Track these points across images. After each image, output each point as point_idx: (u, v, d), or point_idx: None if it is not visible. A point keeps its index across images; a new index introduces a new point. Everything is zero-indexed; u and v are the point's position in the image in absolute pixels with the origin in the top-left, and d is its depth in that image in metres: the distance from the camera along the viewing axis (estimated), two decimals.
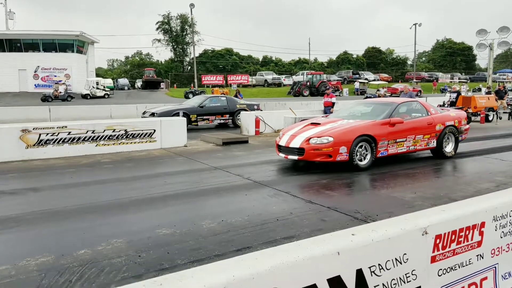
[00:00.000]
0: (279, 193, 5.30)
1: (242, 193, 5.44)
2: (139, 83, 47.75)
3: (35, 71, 37.05)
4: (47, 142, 8.19)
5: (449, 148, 7.92)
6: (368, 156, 6.74)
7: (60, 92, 29.73)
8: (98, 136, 8.66)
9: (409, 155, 8.21)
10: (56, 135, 8.27)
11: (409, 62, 67.92)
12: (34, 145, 8.07)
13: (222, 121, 14.28)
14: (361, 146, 6.64)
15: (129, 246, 3.55)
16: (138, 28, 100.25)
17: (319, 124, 7.20)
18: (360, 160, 6.68)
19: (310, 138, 6.57)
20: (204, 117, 13.78)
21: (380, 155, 6.88)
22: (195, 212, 4.71)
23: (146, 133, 9.26)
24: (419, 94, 33.84)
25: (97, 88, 33.05)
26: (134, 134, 9.10)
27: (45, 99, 28.27)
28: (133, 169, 7.14)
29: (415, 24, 51.08)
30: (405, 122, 7.14)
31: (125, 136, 8.97)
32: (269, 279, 1.94)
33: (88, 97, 32.00)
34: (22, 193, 5.52)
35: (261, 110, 15.50)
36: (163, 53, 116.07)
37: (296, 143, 6.69)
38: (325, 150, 6.42)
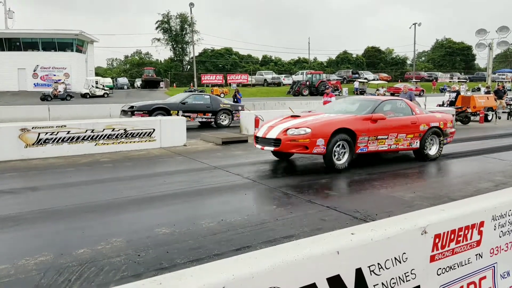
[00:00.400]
0: (279, 193, 5.30)
1: (242, 192, 5.44)
2: (138, 82, 47.75)
3: (35, 70, 37.07)
4: (46, 141, 8.17)
5: (433, 150, 7.66)
6: (347, 155, 6.51)
7: (60, 91, 29.72)
8: (97, 136, 8.65)
9: (409, 155, 8.21)
10: (55, 134, 8.26)
11: (409, 62, 67.99)
12: (33, 144, 8.06)
13: (204, 120, 14.05)
14: (339, 145, 6.41)
15: (129, 245, 3.55)
16: (138, 27, 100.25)
17: (299, 116, 7.11)
18: (339, 160, 6.45)
19: (288, 129, 6.40)
20: (186, 114, 13.32)
21: (360, 151, 6.65)
22: (194, 211, 4.71)
23: (146, 132, 9.25)
24: (421, 94, 33.85)
25: (97, 87, 33.05)
26: (134, 133, 9.09)
27: (45, 98, 28.26)
28: (132, 169, 7.14)
29: (414, 24, 51.16)
30: (387, 119, 6.92)
31: (124, 136, 8.96)
32: (268, 278, 1.94)
33: (88, 96, 31.99)
34: (21, 192, 5.51)
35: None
36: (162, 53, 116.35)
37: (273, 134, 6.52)
38: (302, 141, 6.21)
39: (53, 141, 8.24)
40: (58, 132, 8.28)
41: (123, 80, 47.23)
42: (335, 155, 6.39)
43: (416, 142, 7.38)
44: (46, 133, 8.18)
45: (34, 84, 36.79)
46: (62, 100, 28.45)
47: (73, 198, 5.14)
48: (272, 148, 6.59)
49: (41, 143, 8.12)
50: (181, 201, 5.05)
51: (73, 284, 2.85)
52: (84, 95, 32.18)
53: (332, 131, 6.27)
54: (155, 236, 3.78)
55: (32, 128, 8.12)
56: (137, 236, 3.77)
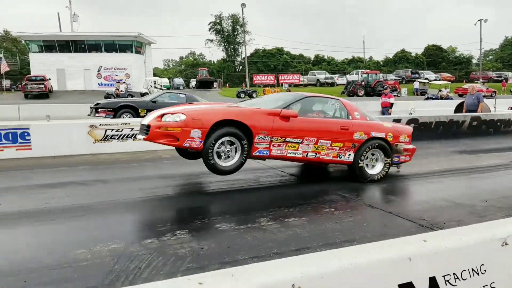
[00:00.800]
0: (337, 195, 5.22)
1: (297, 193, 5.44)
2: (193, 82, 49.40)
3: (98, 71, 39.55)
4: (113, 137, 8.75)
5: (375, 169, 5.98)
6: (237, 155, 5.10)
7: (121, 91, 31.53)
8: None
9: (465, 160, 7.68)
10: (120, 131, 8.81)
11: (474, 61, 63.64)
12: (101, 140, 8.66)
13: None
14: (224, 142, 5.02)
15: (192, 238, 3.69)
16: (192, 29, 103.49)
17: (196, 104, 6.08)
18: (225, 160, 5.06)
19: (165, 114, 5.15)
20: None
21: (258, 153, 5.23)
22: (253, 209, 4.78)
23: None
24: (493, 95, 31.51)
25: (155, 87, 34.65)
26: None
27: (108, 97, 30.05)
28: (192, 165, 7.38)
29: (480, 20, 47.78)
30: (304, 118, 5.51)
31: None
32: (337, 280, 1.93)
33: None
34: (93, 184, 5.93)
35: None
36: (215, 53, 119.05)
37: (147, 120, 5.33)
38: (172, 130, 4.93)
39: (119, 138, 8.79)
40: (123, 129, 8.82)
41: (179, 81, 49.10)
42: (220, 155, 5.04)
43: (349, 155, 5.81)
44: (112, 129, 8.75)
45: (99, 83, 39.32)
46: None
47: (139, 191, 5.44)
48: (142, 137, 5.39)
49: (108, 139, 8.70)
50: (240, 198, 5.17)
51: (143, 271, 3.02)
52: (143, 95, 33.80)
53: (214, 122, 4.91)
54: (216, 231, 3.90)
55: (100, 125, 8.74)
56: (200, 230, 3.92)
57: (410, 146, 6.30)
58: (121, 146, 8.73)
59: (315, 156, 5.58)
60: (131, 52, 40.14)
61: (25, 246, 3.63)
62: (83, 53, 39.21)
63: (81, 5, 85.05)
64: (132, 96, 31.98)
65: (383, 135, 5.98)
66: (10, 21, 70.27)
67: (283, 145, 5.34)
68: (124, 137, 8.82)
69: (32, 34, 38.69)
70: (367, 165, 5.92)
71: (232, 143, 5.07)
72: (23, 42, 44.02)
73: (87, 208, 4.69)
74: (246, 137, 5.06)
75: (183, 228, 3.94)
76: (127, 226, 4.12)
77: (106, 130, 8.72)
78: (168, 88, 38.60)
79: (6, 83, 37.35)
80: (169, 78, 50.77)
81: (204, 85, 43.96)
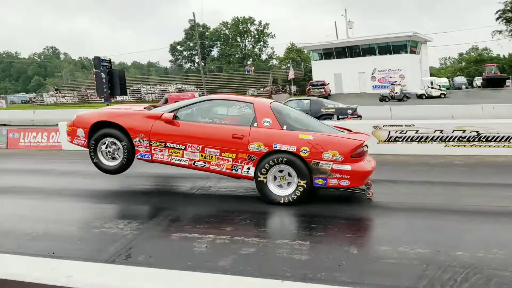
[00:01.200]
0: None
1: None
2: (478, 81, 43.10)
3: (372, 74, 40.87)
4: (396, 139, 8.72)
5: (286, 190, 4.79)
6: (121, 156, 5.35)
7: (396, 93, 31.35)
8: (447, 137, 8.36)
9: None
10: (404, 133, 8.67)
11: None
12: (384, 141, 8.81)
13: None
14: (108, 142, 5.39)
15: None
16: (473, 21, 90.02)
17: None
18: (110, 158, 5.41)
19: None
20: None
21: (140, 156, 5.29)
22: None
23: (503, 137, 8.08)
24: None
25: (432, 88, 32.52)
26: (488, 136, 8.15)
27: (383, 99, 30.65)
28: (492, 176, 6.38)
29: None
30: (186, 122, 5.16)
31: (477, 138, 8.20)
32: None
33: (423, 97, 32.00)
34: (382, 183, 5.99)
35: (359, 116, 13.18)
36: (505, 46, 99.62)
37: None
38: (68, 128, 5.76)
39: (402, 139, 8.68)
40: (407, 131, 8.65)
41: (460, 80, 44.02)
42: (106, 154, 5.42)
43: (248, 169, 4.93)
44: (396, 131, 8.73)
45: (373, 86, 40.66)
46: (398, 101, 29.83)
47: (433, 197, 5.15)
48: None
49: (391, 140, 8.76)
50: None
51: (461, 285, 2.77)
52: (419, 96, 32.40)
53: (93, 123, 5.41)
54: None
55: (383, 126, 8.89)
56: None
57: (347, 167, 4.69)
58: (405, 148, 8.56)
59: (204, 165, 5.10)
60: (406, 52, 39.37)
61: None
62: (357, 58, 41.59)
63: (356, 11, 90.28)
64: (408, 98, 31.27)
65: (292, 149, 4.77)
66: (295, 34, 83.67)
67: (165, 150, 5.18)
68: (409, 139, 8.63)
69: (313, 44, 44.47)
70: (280, 185, 4.87)
71: (114, 143, 5.38)
72: (305, 52, 51.15)
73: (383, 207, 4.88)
74: (128, 139, 5.23)
75: (498, 247, 3.39)
76: (428, 232, 3.93)
77: (389, 132, 8.80)
78: (447, 89, 35.36)
79: (293, 88, 44.11)
80: (448, 77, 46.41)
81: (493, 83, 37.43)
